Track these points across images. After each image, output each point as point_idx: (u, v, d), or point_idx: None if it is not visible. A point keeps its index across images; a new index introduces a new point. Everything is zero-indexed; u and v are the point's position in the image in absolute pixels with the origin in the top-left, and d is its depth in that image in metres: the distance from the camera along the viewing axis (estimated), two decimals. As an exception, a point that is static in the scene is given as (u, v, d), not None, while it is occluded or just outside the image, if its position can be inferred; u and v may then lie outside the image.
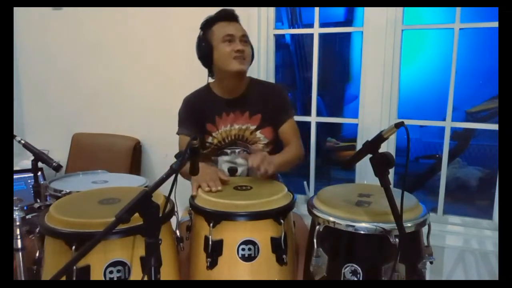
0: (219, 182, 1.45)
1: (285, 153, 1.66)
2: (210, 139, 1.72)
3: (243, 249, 1.28)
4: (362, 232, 1.20)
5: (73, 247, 1.07)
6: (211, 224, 1.27)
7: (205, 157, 1.75)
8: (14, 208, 1.35)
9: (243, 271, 1.29)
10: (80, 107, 2.68)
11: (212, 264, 1.28)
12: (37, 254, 1.25)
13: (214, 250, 1.27)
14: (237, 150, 1.73)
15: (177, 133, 1.72)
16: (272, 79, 2.25)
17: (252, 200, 1.32)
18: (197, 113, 1.71)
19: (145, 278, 1.00)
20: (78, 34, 2.60)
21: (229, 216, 1.29)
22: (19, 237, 1.35)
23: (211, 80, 1.76)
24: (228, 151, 1.73)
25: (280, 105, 1.73)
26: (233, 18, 1.67)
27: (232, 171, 1.72)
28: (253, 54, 1.72)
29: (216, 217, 1.28)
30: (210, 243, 1.26)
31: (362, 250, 1.24)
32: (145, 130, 2.51)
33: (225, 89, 1.72)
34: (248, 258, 1.28)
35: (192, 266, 1.38)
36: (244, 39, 1.65)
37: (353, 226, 1.20)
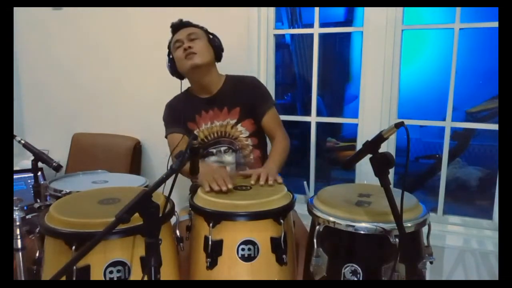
0: (229, 179, 1.42)
1: (276, 153, 1.68)
2: None
3: (243, 249, 1.28)
4: (362, 232, 1.20)
5: (73, 247, 1.07)
6: (211, 224, 1.27)
7: None
8: (14, 208, 1.35)
9: (243, 271, 1.29)
10: (80, 107, 2.68)
11: (212, 264, 1.28)
12: (37, 254, 1.25)
13: (214, 250, 1.27)
14: (222, 149, 1.76)
15: (165, 136, 1.77)
16: (272, 79, 2.25)
17: (252, 200, 1.32)
18: (178, 114, 1.76)
19: (145, 278, 1.00)
20: (78, 34, 2.60)
21: (229, 216, 1.28)
22: (19, 237, 1.35)
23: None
24: (214, 150, 1.76)
25: (256, 96, 1.76)
26: (181, 27, 1.73)
27: None
28: (215, 45, 1.72)
29: (216, 217, 1.28)
30: (210, 243, 1.26)
31: (362, 250, 1.24)
32: (145, 130, 2.51)
33: (199, 89, 1.77)
34: (248, 258, 1.28)
35: (192, 266, 1.38)
36: (191, 37, 1.68)
37: (353, 226, 1.20)
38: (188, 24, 1.75)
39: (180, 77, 1.77)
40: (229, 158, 1.76)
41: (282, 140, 1.73)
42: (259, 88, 1.80)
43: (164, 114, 1.81)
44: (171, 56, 1.75)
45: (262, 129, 1.79)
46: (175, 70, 1.75)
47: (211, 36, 1.75)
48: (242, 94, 1.74)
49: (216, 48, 1.73)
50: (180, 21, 1.75)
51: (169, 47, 1.78)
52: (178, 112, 1.77)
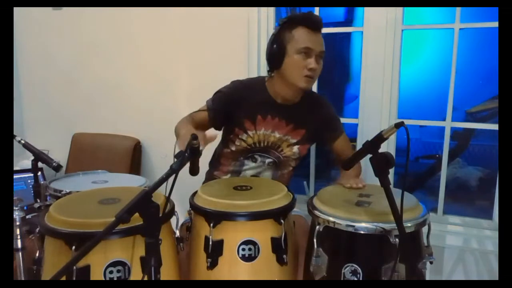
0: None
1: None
2: (244, 137, 1.63)
3: (243, 249, 1.28)
4: (362, 232, 1.20)
5: (73, 247, 1.07)
6: (211, 224, 1.27)
7: (233, 155, 1.69)
8: (14, 208, 1.35)
9: (244, 271, 1.29)
10: (80, 107, 2.68)
11: (213, 264, 1.28)
12: (37, 254, 1.25)
13: (215, 250, 1.27)
14: (267, 160, 1.69)
15: (206, 101, 1.60)
16: (272, 79, 2.24)
17: (252, 200, 1.32)
18: (239, 102, 1.59)
19: (145, 278, 1.00)
20: (78, 34, 2.60)
21: (230, 216, 1.28)
22: (19, 237, 1.35)
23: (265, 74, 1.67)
24: (259, 158, 1.68)
25: (327, 121, 1.70)
26: (318, 28, 1.53)
27: None
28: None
29: (216, 217, 1.28)
30: (211, 243, 1.26)
31: (362, 250, 1.24)
32: (145, 130, 2.51)
33: (280, 94, 1.61)
34: (248, 258, 1.28)
35: (192, 266, 1.38)
36: (321, 55, 1.53)
37: (353, 226, 1.20)
38: (321, 31, 1.54)
39: (272, 66, 1.56)
40: (267, 173, 1.70)
41: None
42: (334, 119, 1.73)
43: (225, 88, 1.61)
44: (285, 47, 1.51)
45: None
46: (277, 59, 1.53)
47: None
48: (314, 119, 1.66)
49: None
50: (320, 20, 1.53)
51: (283, 26, 1.54)
52: (239, 100, 1.58)
